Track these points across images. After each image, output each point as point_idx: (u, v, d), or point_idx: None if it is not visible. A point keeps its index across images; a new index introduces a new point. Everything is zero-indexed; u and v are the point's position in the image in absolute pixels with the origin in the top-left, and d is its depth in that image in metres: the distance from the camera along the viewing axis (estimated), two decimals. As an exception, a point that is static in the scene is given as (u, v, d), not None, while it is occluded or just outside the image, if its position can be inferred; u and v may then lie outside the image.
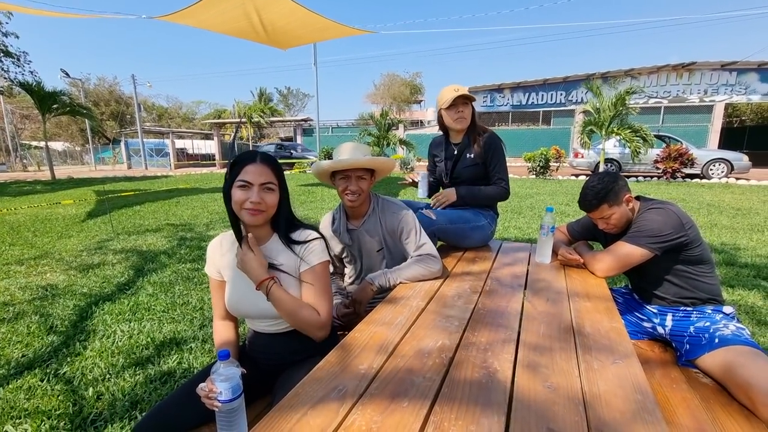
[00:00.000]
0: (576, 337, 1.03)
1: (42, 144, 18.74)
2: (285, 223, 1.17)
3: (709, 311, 1.46)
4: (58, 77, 25.00)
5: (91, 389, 1.75)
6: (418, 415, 0.72)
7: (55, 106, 14.34)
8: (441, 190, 2.12)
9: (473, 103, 1.91)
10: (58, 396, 1.71)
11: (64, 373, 1.88)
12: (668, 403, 1.19)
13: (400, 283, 1.45)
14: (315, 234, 1.18)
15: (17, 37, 15.65)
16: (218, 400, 0.89)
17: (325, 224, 1.70)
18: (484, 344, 0.99)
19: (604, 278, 1.49)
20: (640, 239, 1.43)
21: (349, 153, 1.50)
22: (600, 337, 1.03)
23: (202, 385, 0.91)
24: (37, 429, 1.51)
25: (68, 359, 2.01)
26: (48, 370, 1.90)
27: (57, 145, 31.09)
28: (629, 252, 1.44)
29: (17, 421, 1.56)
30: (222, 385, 0.89)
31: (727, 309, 1.46)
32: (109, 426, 1.53)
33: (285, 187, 1.16)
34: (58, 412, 1.60)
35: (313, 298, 1.13)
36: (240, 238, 1.14)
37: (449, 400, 0.76)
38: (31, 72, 15.96)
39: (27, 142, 28.72)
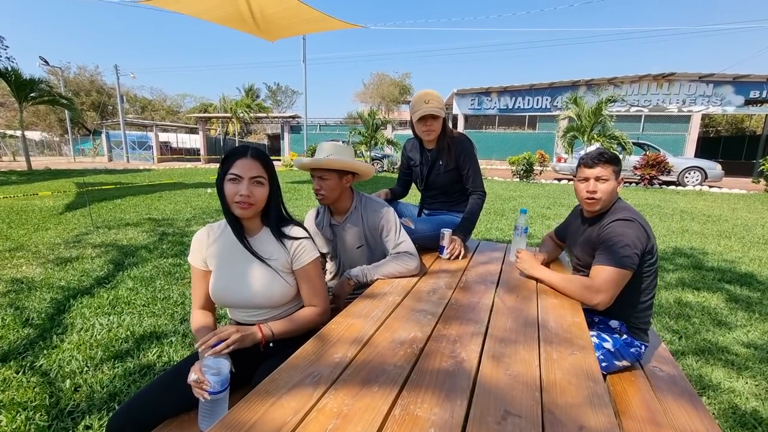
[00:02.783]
0: (540, 331, 1.10)
1: (18, 133, 18.12)
2: (275, 217, 1.21)
3: (596, 320, 1.51)
4: (37, 65, 24.20)
5: (68, 381, 1.74)
6: (386, 398, 0.77)
7: (32, 94, 13.89)
8: (420, 192, 2.19)
9: (443, 114, 1.89)
10: (34, 388, 1.70)
11: (41, 365, 1.87)
12: (625, 394, 1.28)
13: (378, 279, 1.50)
14: (304, 233, 1.24)
15: (-7, 21, 15.08)
16: (207, 392, 0.93)
17: (310, 218, 1.75)
18: (453, 336, 1.05)
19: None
20: (620, 259, 1.31)
21: (318, 153, 1.56)
22: (562, 331, 1.10)
23: (192, 376, 0.95)
24: (12, 420, 1.50)
25: (45, 352, 1.99)
26: (23, 363, 1.89)
27: (34, 135, 30.08)
28: (619, 276, 1.31)
29: (-9, 412, 1.55)
30: (212, 378, 0.94)
31: (613, 323, 1.47)
32: (87, 417, 1.53)
33: (276, 182, 1.20)
34: (34, 404, 1.60)
35: (310, 294, 1.23)
36: (234, 228, 1.18)
37: (417, 386, 0.82)
38: (8, 58, 15.41)
39: (2, 131, 27.68)
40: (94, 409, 1.58)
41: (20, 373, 1.80)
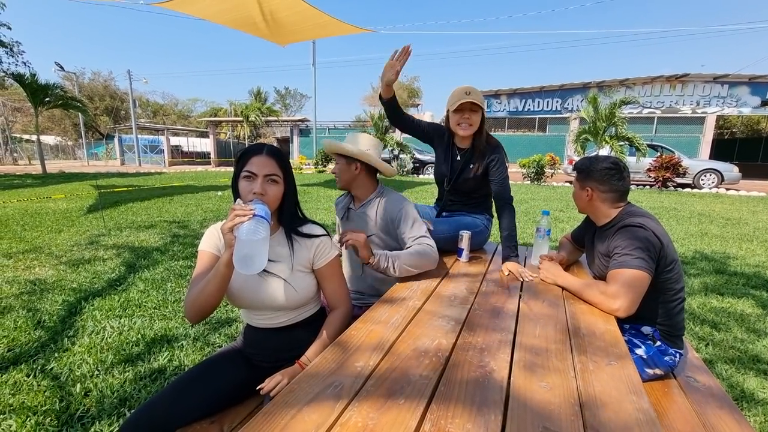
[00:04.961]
0: (571, 339, 1.03)
1: (33, 137, 18.49)
2: (290, 217, 1.17)
3: (627, 326, 1.43)
4: (52, 70, 24.75)
5: (78, 385, 1.72)
6: (414, 412, 0.71)
7: (47, 99, 14.17)
8: (440, 191, 2.08)
9: (483, 110, 1.80)
10: (44, 392, 1.68)
11: (51, 368, 1.85)
12: (659, 406, 1.20)
13: (396, 270, 1.42)
14: (323, 230, 1.23)
15: (9, 28, 15.44)
16: (254, 213, 0.93)
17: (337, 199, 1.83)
18: (480, 344, 0.99)
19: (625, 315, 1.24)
20: (631, 261, 1.25)
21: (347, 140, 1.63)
22: (595, 338, 1.04)
23: (235, 204, 0.97)
24: (22, 425, 1.47)
25: (56, 355, 1.97)
26: (34, 366, 1.87)
27: (49, 139, 30.71)
28: (632, 279, 1.23)
29: (2, 416, 1.53)
30: (258, 206, 0.96)
31: (646, 329, 1.39)
32: (97, 423, 1.50)
33: (291, 182, 1.16)
34: (44, 408, 1.57)
35: (335, 295, 1.24)
36: None
37: (446, 399, 0.76)
38: (25, 63, 15.73)
39: (18, 136, 28.31)
40: (104, 415, 1.54)
41: (31, 377, 1.78)
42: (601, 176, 1.43)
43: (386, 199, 1.62)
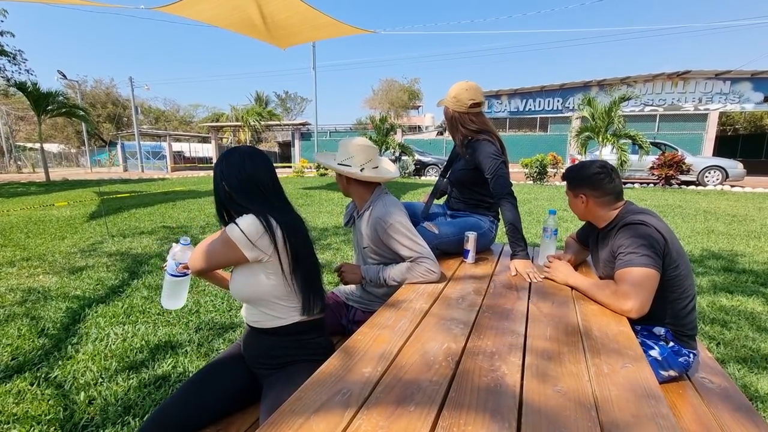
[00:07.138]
0: (584, 341, 1.00)
1: (37, 145, 18.62)
2: (221, 218, 1.24)
3: (638, 328, 1.38)
4: (55, 79, 24.89)
5: (82, 394, 1.70)
6: (425, 420, 0.69)
7: (50, 107, 14.25)
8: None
9: (455, 108, 1.81)
10: (48, 400, 1.66)
11: (55, 377, 1.84)
12: (674, 408, 1.18)
13: (389, 283, 1.46)
14: (233, 230, 1.07)
15: (13, 35, 15.55)
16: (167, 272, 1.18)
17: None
18: (490, 347, 0.96)
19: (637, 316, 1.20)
20: (638, 259, 1.22)
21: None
22: (608, 340, 1.01)
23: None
24: (26, 434, 1.46)
25: (59, 363, 1.96)
26: (38, 374, 1.85)
27: (52, 147, 30.89)
28: (642, 277, 1.20)
29: (6, 426, 1.51)
30: (169, 263, 1.18)
31: (658, 330, 1.35)
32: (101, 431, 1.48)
33: (216, 185, 1.22)
34: (48, 417, 1.55)
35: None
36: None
37: (457, 405, 0.74)
38: (27, 71, 15.83)
39: (22, 144, 28.54)
40: (108, 423, 1.52)
41: (35, 385, 1.77)
42: (591, 182, 1.42)
43: (375, 210, 1.50)
